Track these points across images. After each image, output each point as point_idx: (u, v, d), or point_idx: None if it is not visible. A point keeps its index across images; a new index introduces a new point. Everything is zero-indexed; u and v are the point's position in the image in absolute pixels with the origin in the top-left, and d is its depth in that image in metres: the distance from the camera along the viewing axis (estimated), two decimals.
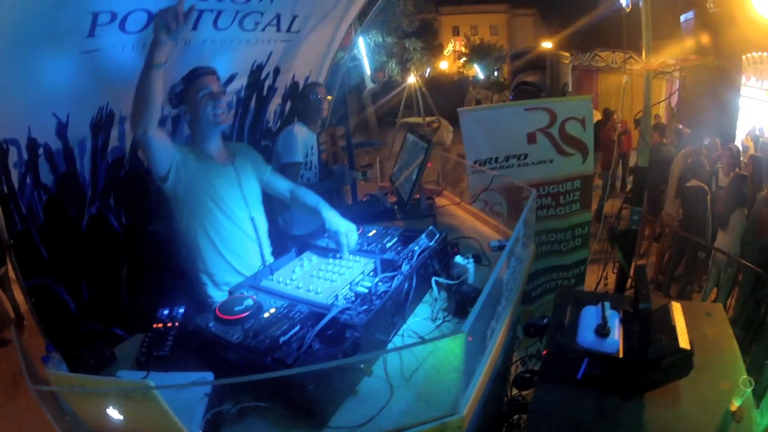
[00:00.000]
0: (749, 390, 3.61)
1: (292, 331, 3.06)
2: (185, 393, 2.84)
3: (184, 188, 4.04)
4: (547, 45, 25.85)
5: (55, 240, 4.58)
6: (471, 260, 4.30)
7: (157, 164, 3.86)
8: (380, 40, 22.92)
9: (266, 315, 3.25)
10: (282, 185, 4.79)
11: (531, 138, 7.40)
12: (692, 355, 3.58)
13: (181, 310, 3.59)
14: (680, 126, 17.21)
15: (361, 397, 3.02)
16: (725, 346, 4.41)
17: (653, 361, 3.61)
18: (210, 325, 3.20)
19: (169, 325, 3.48)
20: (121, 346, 3.70)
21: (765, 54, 18.44)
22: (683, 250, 10.64)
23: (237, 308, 3.23)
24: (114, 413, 2.36)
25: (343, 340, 3.03)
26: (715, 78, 20.28)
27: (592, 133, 7.84)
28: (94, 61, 4.33)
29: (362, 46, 20.29)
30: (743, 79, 19.26)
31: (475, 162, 7.28)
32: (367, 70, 20.89)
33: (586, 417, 3.47)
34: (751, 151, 14.47)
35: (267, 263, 4.54)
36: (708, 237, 9.95)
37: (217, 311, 3.24)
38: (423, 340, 3.58)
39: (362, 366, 3.12)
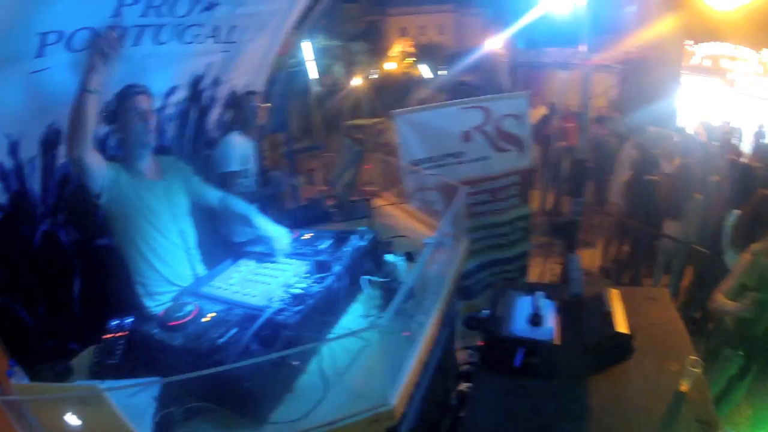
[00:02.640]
0: (698, 370, 3.77)
1: (230, 333, 3.19)
2: (135, 398, 2.93)
3: (117, 204, 4.19)
4: (493, 43, 26.06)
5: (9, 258, 4.66)
6: (402, 258, 4.43)
7: (91, 183, 4.03)
8: (326, 44, 22.98)
9: (206, 319, 3.38)
10: (212, 195, 4.90)
11: (466, 136, 7.53)
12: (631, 339, 3.81)
13: (130, 320, 3.67)
14: (615, 115, 17.47)
15: (298, 393, 3.19)
16: (671, 329, 4.59)
17: (590, 346, 3.82)
18: (154, 331, 3.32)
19: (119, 334, 3.56)
20: (78, 358, 3.83)
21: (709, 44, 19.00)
22: (633, 239, 10.86)
23: (178, 314, 3.36)
24: (72, 419, 2.49)
25: (278, 339, 3.19)
26: (654, 70, 20.80)
27: (528, 128, 8.00)
28: (43, 80, 4.42)
29: (307, 51, 20.31)
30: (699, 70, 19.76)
31: (411, 162, 7.33)
32: (313, 75, 20.93)
33: (526, 404, 3.64)
34: (703, 139, 14.78)
35: (197, 273, 4.68)
36: (661, 226, 10.05)
37: (160, 318, 3.38)
38: (337, 336, 3.76)
39: (295, 363, 3.26)
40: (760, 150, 15.18)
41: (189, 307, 3.44)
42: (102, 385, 2.46)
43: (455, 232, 5.20)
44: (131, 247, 4.38)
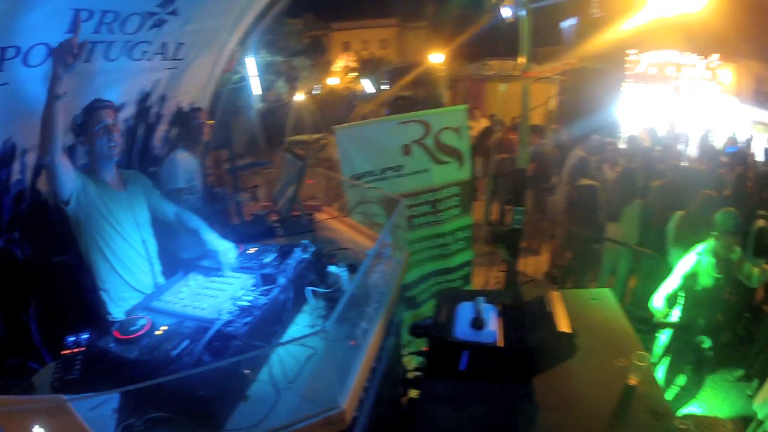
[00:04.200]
0: (646, 364, 3.93)
1: (183, 345, 3.27)
2: (96, 411, 3.08)
3: (84, 212, 4.34)
4: (436, 57, 26.21)
5: None
6: (345, 269, 4.56)
7: (61, 189, 4.15)
8: (269, 59, 22.86)
9: (159, 332, 3.46)
10: (169, 210, 5.03)
11: (406, 150, 7.72)
12: (573, 337, 3.86)
13: (85, 336, 3.67)
14: (555, 126, 17.75)
15: (252, 401, 3.27)
16: (616, 327, 4.78)
17: (532, 347, 3.89)
18: (110, 346, 3.35)
19: (76, 350, 3.58)
20: (38, 375, 3.85)
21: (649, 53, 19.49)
22: (575, 243, 11.02)
23: (132, 328, 3.41)
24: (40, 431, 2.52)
25: (228, 350, 3.28)
26: (596, 79, 21.17)
27: (467, 141, 8.21)
28: (1, 95, 4.55)
29: (251, 67, 20.27)
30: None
31: (352, 177, 7.44)
32: (257, 91, 20.84)
33: (476, 407, 3.73)
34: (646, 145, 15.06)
35: (158, 281, 4.88)
36: (602, 230, 10.27)
37: (115, 333, 3.41)
38: (285, 342, 3.86)
39: (246, 371, 3.35)
40: (705, 153, 15.65)
41: (142, 321, 3.49)
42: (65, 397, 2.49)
43: (396, 243, 5.35)
44: (96, 254, 4.55)
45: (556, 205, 12.06)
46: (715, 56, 21.23)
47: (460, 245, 8.52)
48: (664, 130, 18.34)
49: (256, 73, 20.95)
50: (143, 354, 3.27)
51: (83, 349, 3.60)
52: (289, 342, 3.82)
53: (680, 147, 16.91)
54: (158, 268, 4.99)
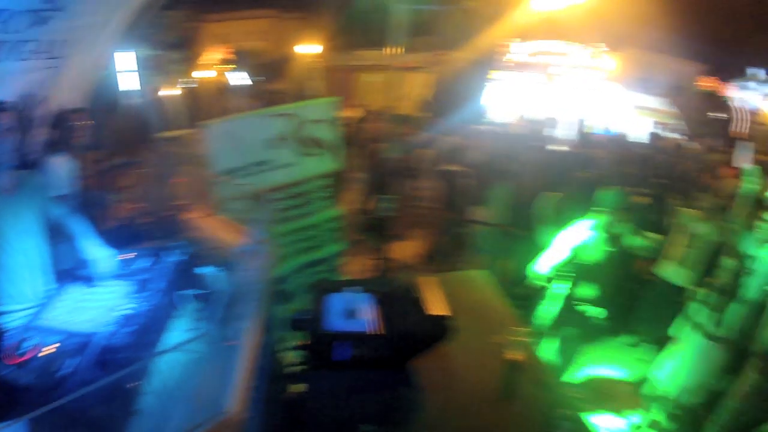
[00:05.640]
0: (527, 339, 4.27)
1: (72, 363, 3.27)
2: None
3: None
4: (310, 48, 26.44)
5: None
6: (218, 269, 4.67)
7: None
8: (145, 53, 22.62)
9: (47, 352, 3.41)
10: (56, 215, 4.91)
11: (274, 143, 7.78)
12: (449, 320, 4.00)
13: None
14: (425, 115, 18.07)
15: (145, 414, 3.35)
16: (493, 306, 5.14)
17: (408, 332, 4.02)
18: (2, 373, 3.30)
19: None
20: None
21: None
22: (446, 228, 11.41)
23: (19, 351, 3.39)
24: None
25: (115, 363, 3.29)
26: (470, 69, 21.36)
27: (336, 132, 8.37)
28: None
29: (127, 62, 19.97)
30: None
31: (221, 173, 7.52)
32: (131, 86, 20.55)
33: (361, 395, 3.92)
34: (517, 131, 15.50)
35: (47, 291, 4.61)
36: (467, 213, 10.64)
37: (2, 358, 3.37)
38: (164, 351, 3.91)
39: (134, 384, 3.37)
40: (581, 137, 16.37)
41: (28, 343, 3.47)
42: None
43: (265, 238, 5.34)
44: None
45: (425, 192, 12.33)
46: (600, 45, 21.84)
47: (329, 236, 8.63)
48: (538, 116, 18.61)
49: (132, 67, 20.62)
50: (35, 377, 3.25)
51: None
52: (171, 349, 3.83)
53: (555, 131, 17.43)
54: (50, 277, 4.80)
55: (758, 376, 6.40)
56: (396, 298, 4.42)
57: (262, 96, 21.68)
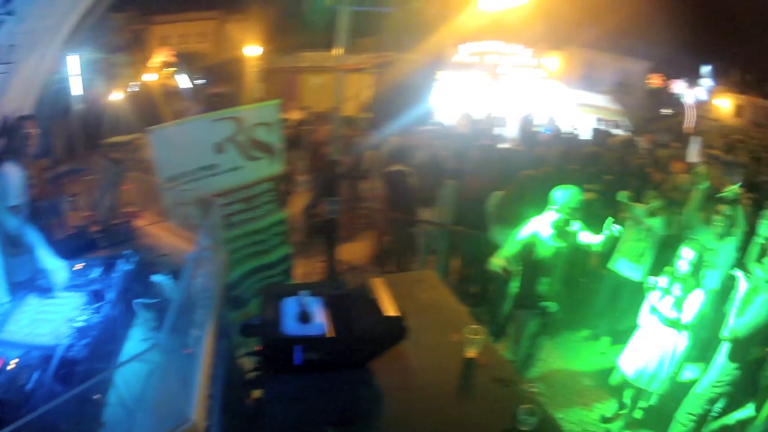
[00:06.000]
0: (481, 337, 4.29)
1: (35, 378, 3.28)
2: None
3: None
4: (253, 50, 26.47)
5: None
6: (169, 277, 4.64)
7: None
8: (90, 57, 22.20)
9: (10, 367, 3.42)
10: (9, 226, 4.98)
11: (219, 148, 7.69)
12: (402, 320, 4.08)
13: None
14: (370, 117, 18.21)
15: (108, 427, 3.34)
16: (444, 304, 5.15)
17: (361, 334, 4.09)
18: None
19: None
20: None
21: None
22: (393, 228, 11.47)
23: None
24: None
25: (75, 376, 3.30)
26: (413, 70, 21.71)
27: (280, 135, 8.32)
28: None
29: (73, 66, 19.67)
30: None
31: (167, 178, 7.35)
32: (77, 91, 20.23)
33: (319, 399, 3.95)
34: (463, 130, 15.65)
35: (2, 305, 4.55)
36: (414, 213, 10.73)
37: None
38: (120, 363, 3.87)
39: (96, 397, 3.36)
40: (524, 135, 16.74)
41: None
42: None
43: (214, 244, 5.39)
44: None
45: (371, 192, 12.36)
46: (542, 45, 22.14)
47: (277, 240, 8.59)
48: (482, 115, 18.92)
49: (78, 72, 20.31)
50: (3, 392, 3.25)
51: None
52: (130, 360, 3.72)
53: (498, 130, 17.80)
54: (2, 290, 4.76)
55: (729, 361, 6.66)
56: (351, 301, 4.47)
57: (207, 100, 21.51)
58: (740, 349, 6.64)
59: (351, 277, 10.07)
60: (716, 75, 30.52)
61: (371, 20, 21.12)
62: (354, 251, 12.08)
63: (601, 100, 22.37)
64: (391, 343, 4.18)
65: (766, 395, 6.47)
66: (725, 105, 30.72)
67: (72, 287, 4.53)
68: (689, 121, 27.39)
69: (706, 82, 30.41)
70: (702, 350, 7.88)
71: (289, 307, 4.29)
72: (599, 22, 21.36)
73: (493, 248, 7.61)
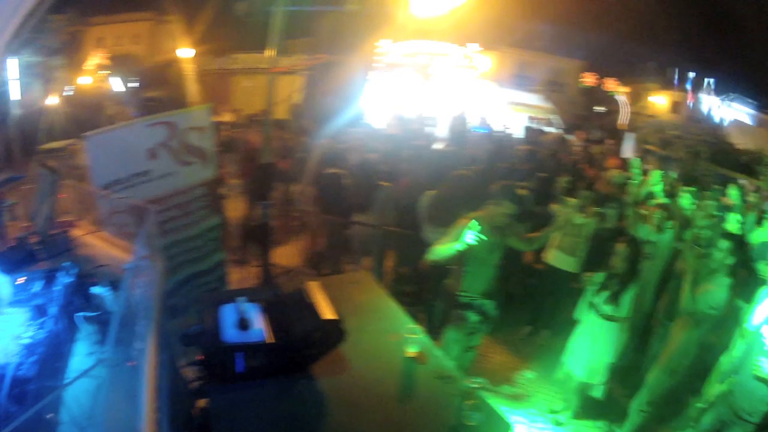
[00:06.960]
0: (420, 336, 4.52)
1: None
2: None
3: None
4: (186, 52, 26.74)
5: None
6: (108, 288, 4.69)
7: None
8: (28, 60, 21.84)
9: None
10: None
11: (152, 154, 7.67)
12: (340, 323, 4.25)
13: None
14: (302, 120, 18.28)
15: None
16: (381, 305, 5.32)
17: (300, 338, 4.22)
18: None
19: None
20: None
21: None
22: (327, 231, 11.53)
23: None
24: None
25: (27, 395, 3.38)
26: (344, 71, 22.03)
27: (212, 140, 8.41)
28: None
29: (11, 69, 19.50)
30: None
31: (102, 186, 7.23)
32: (14, 96, 20.01)
33: (265, 404, 4.06)
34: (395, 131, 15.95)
35: None
36: (349, 215, 10.77)
37: None
38: (68, 382, 3.86)
39: (50, 416, 3.39)
40: (456, 135, 16.62)
41: None
42: None
43: (150, 253, 5.47)
44: None
45: (304, 195, 12.32)
46: (474, 45, 22.43)
47: (211, 246, 8.74)
48: (413, 116, 18.99)
49: (15, 76, 20.10)
50: None
51: None
52: (76, 378, 3.72)
53: (430, 130, 17.86)
54: None
55: (687, 332, 6.93)
56: (287, 306, 4.63)
57: (140, 104, 21.44)
58: (691, 334, 6.90)
59: (286, 281, 10.48)
60: (652, 72, 31.17)
61: (304, 22, 21.33)
62: (288, 255, 12.21)
63: (533, 98, 22.77)
64: (331, 346, 4.34)
65: (716, 379, 6.53)
66: (661, 102, 31.47)
67: (15, 302, 4.54)
68: (624, 118, 27.94)
69: (642, 80, 31.08)
70: (637, 339, 8.12)
71: (228, 314, 4.34)
72: (532, 21, 21.76)
73: (426, 248, 7.64)
